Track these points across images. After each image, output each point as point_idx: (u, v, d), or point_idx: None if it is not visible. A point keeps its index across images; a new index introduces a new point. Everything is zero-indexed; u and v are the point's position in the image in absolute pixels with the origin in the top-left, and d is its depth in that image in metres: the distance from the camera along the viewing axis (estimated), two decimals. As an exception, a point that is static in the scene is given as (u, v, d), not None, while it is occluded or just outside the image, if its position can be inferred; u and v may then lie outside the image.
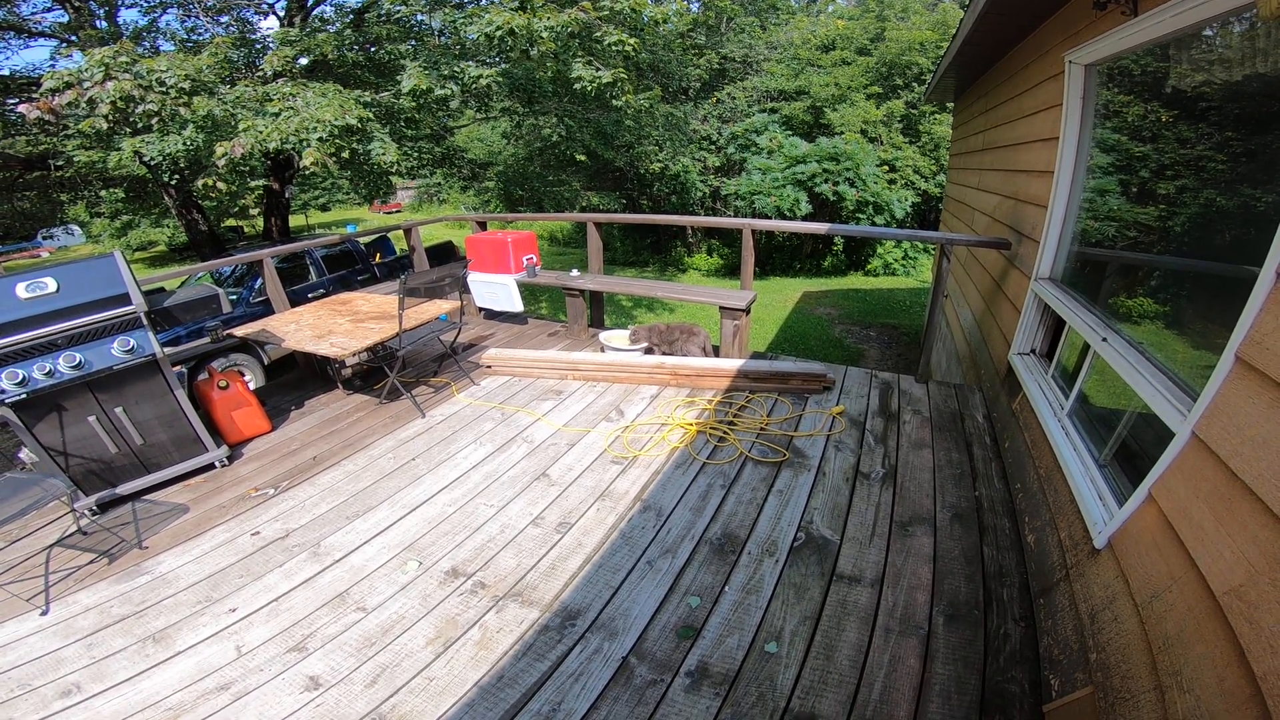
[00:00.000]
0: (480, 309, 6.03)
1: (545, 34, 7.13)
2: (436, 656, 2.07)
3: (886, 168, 16.44)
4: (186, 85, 6.59)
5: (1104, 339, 2.33)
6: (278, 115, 6.90)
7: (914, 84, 17.77)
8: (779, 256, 17.70)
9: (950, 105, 15.69)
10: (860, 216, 15.50)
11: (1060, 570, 2.15)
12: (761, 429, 3.58)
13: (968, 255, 5.64)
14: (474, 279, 5.66)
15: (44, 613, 2.34)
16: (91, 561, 2.63)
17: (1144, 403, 1.91)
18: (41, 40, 9.72)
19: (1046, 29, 3.64)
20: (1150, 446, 1.93)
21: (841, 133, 16.80)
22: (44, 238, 26.89)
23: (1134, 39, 2.35)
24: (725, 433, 3.53)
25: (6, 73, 9.42)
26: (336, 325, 4.02)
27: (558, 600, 2.31)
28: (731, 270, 18.07)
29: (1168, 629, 1.43)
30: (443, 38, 9.73)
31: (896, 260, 16.49)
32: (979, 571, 2.44)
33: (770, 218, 15.07)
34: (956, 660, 2.03)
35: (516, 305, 5.63)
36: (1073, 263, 3.13)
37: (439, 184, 23.95)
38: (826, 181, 15.33)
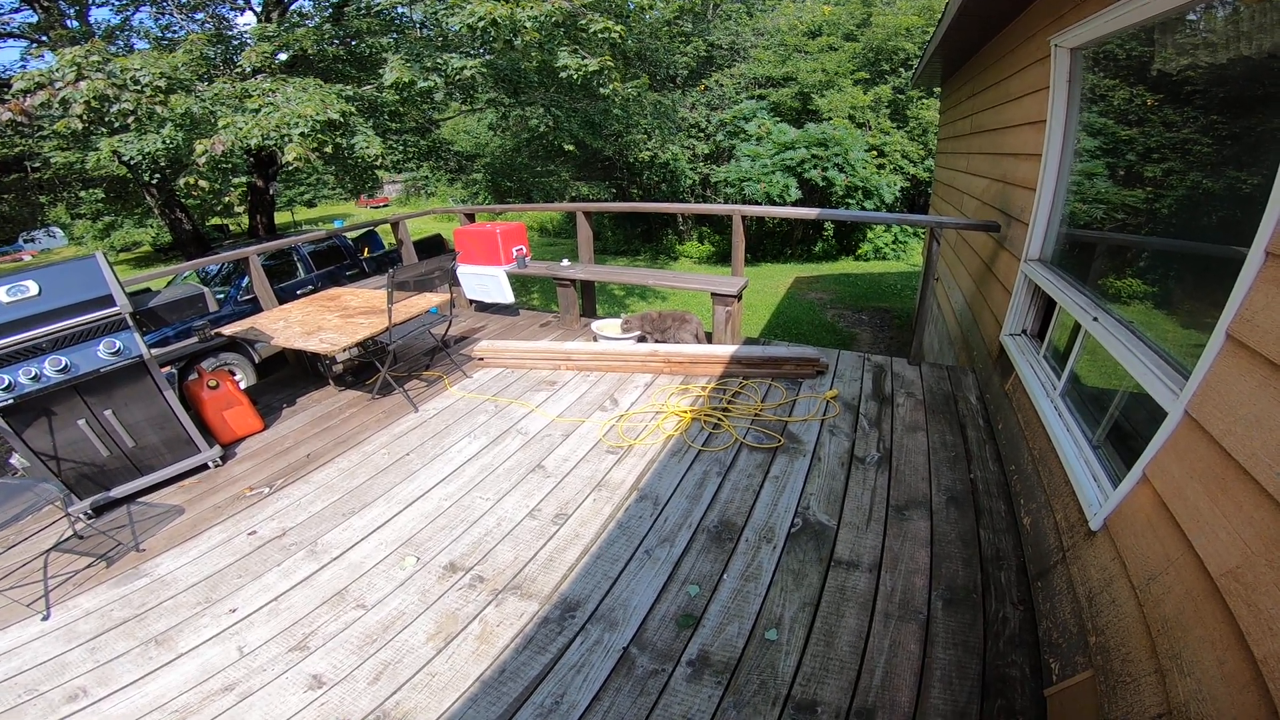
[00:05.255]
0: (471, 301, 6.00)
1: (529, 23, 7.04)
2: (438, 652, 2.07)
3: (875, 153, 16.37)
4: (162, 83, 6.46)
5: (1095, 319, 2.34)
6: (258, 111, 6.79)
7: (901, 69, 17.69)
8: (770, 242, 17.68)
9: (937, 90, 15.68)
10: (850, 201, 15.46)
11: (1057, 553, 2.15)
12: (756, 415, 3.58)
13: (958, 238, 5.65)
14: (463, 271, 5.63)
15: (45, 618, 2.33)
16: (89, 565, 2.61)
17: (1136, 382, 1.91)
18: (11, 41, 9.49)
19: (1032, 13, 3.62)
20: (1143, 426, 1.93)
21: (830, 118, 16.72)
22: (25, 241, 26.44)
23: (1119, 22, 2.34)
24: (720, 419, 3.53)
25: (-26, 76, 9.19)
26: (325, 321, 3.98)
27: (557, 592, 2.32)
28: (723, 257, 18.00)
29: (1166, 611, 1.43)
30: (424, 30, 9.59)
31: (887, 245, 16.48)
32: (976, 555, 2.45)
33: (760, 204, 15.05)
34: (957, 645, 2.04)
35: (507, 297, 5.60)
36: (1062, 244, 3.14)
37: (426, 177, 23.70)
38: (816, 167, 15.27)
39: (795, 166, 15.36)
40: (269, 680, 2.00)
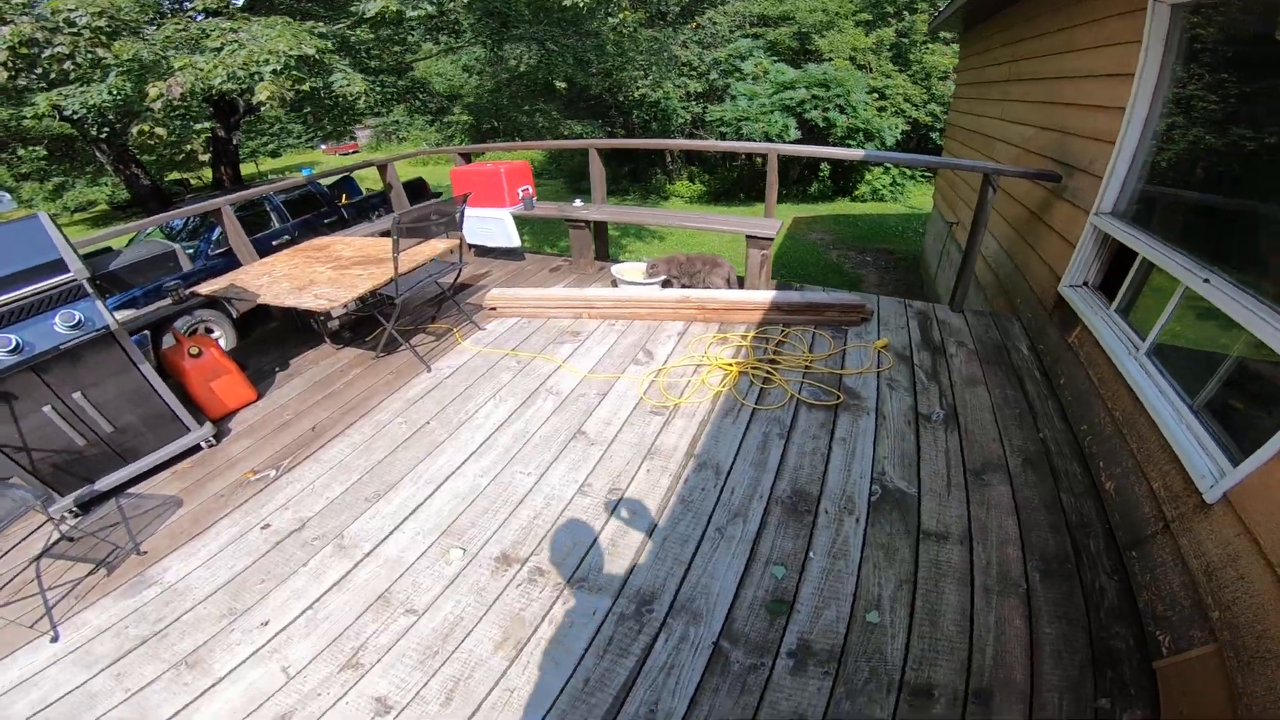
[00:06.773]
0: (471, 246, 5.57)
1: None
2: (510, 662, 1.82)
3: (876, 95, 15.98)
4: (103, 23, 5.69)
5: (1205, 279, 2.10)
6: (220, 50, 6.07)
7: (904, 12, 17.19)
8: (763, 183, 17.24)
9: (945, 35, 15.07)
10: (851, 143, 15.12)
11: (1156, 523, 2.02)
12: (807, 367, 3.33)
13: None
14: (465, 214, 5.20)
15: (54, 639, 2.00)
16: (89, 574, 2.25)
17: (1248, 346, 1.78)
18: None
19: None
20: (1259, 393, 1.81)
21: (831, 59, 16.20)
22: (-33, 207, 24.63)
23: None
24: (769, 372, 3.27)
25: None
26: (317, 274, 3.54)
27: (627, 583, 2.07)
28: (715, 196, 17.64)
29: (1316, 591, 1.28)
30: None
31: (885, 186, 16.24)
32: (1062, 521, 2.30)
33: (756, 142, 14.59)
34: (1060, 618, 1.92)
35: (514, 241, 5.22)
36: (1144, 199, 2.93)
37: (397, 122, 22.38)
38: (816, 108, 14.81)
39: (795, 106, 14.91)
40: (328, 706, 1.72)
